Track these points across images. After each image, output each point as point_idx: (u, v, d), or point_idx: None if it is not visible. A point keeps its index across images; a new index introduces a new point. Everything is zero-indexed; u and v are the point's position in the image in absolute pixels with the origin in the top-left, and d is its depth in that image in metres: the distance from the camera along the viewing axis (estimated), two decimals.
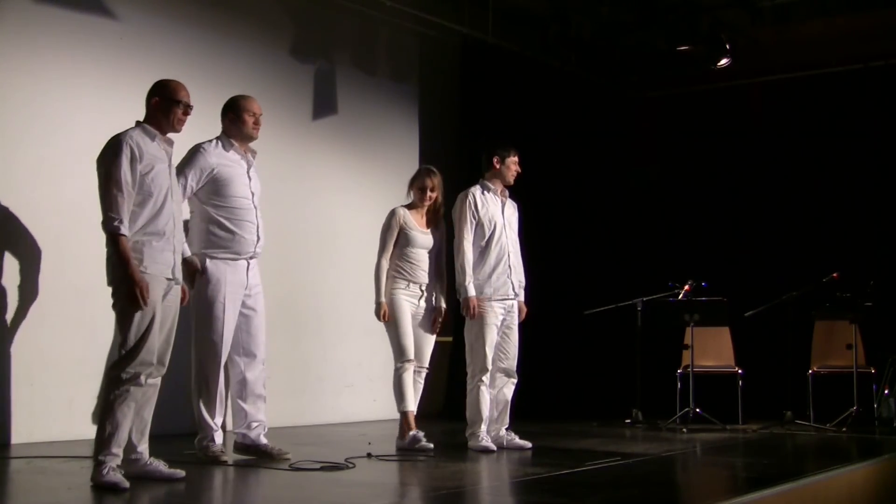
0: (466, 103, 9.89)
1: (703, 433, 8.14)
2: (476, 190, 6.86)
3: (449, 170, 9.25)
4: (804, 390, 8.74)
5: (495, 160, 6.86)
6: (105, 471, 4.75)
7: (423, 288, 6.65)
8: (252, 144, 6.04)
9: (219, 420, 5.86)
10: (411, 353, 6.54)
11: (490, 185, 6.89)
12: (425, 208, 6.71)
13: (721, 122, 10.92)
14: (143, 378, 4.86)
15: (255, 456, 5.92)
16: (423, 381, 6.73)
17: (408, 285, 6.60)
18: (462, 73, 9.94)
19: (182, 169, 5.68)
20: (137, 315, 4.79)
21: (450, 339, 8.45)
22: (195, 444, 5.82)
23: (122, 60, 7.14)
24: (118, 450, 4.81)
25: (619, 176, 11.25)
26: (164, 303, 4.97)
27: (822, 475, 5.71)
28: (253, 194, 5.96)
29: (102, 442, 4.78)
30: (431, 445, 6.43)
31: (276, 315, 7.96)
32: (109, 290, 4.92)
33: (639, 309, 9.02)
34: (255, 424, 5.98)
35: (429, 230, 6.71)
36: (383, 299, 6.56)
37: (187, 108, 5.11)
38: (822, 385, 8.80)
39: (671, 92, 11.36)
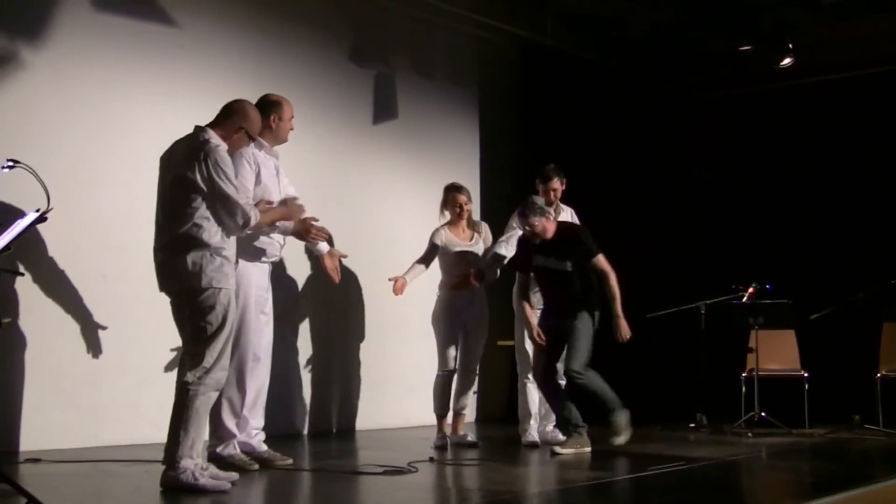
0: (526, 106, 9.84)
1: (769, 437, 8.00)
2: None
3: (511, 172, 9.57)
4: (872, 394, 8.48)
5: (537, 182, 7.31)
6: (201, 475, 4.76)
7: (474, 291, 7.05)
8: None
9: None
10: (452, 364, 7.02)
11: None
12: (463, 222, 7.17)
13: (783, 121, 10.69)
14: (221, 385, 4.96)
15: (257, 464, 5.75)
16: (474, 382, 7.25)
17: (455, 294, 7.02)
18: (522, 77, 9.87)
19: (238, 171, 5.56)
20: (228, 325, 4.88)
21: (512, 342, 8.27)
22: (213, 452, 5.65)
23: (182, 68, 7.19)
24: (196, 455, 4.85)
25: (681, 177, 11.06)
26: None
27: (892, 481, 5.58)
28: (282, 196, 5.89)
29: (186, 447, 4.76)
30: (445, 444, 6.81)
31: (337, 320, 8.18)
32: (171, 296, 5.01)
33: (702, 312, 8.90)
34: (255, 432, 5.87)
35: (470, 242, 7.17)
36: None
37: None
38: (892, 389, 8.51)
39: (732, 92, 11.13)
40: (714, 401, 8.93)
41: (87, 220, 6.65)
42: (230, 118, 5.11)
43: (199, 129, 5.03)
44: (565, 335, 6.77)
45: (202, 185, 4.83)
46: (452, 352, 7.07)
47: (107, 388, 6.68)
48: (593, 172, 9.66)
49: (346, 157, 8.37)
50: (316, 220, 5.77)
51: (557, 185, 7.35)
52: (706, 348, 8.94)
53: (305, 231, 5.72)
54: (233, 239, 5.04)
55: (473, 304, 7.14)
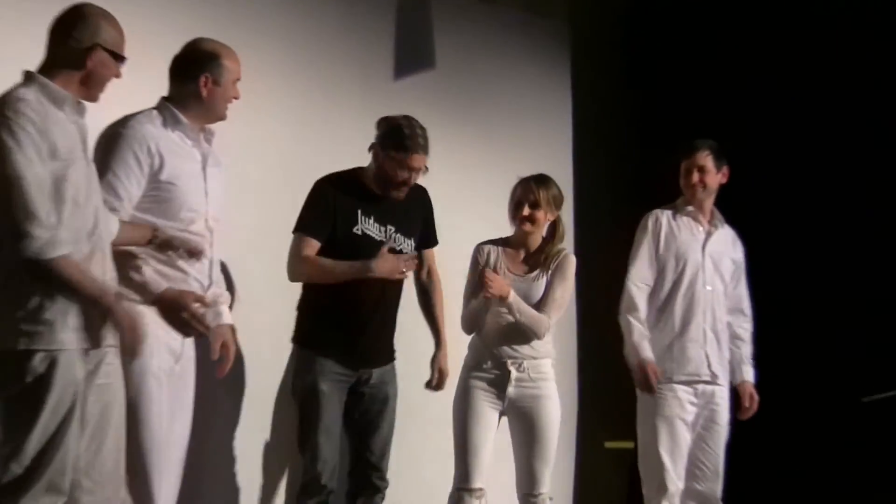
0: (646, 53, 8.07)
1: None
2: (665, 212, 6.13)
3: (620, 155, 8.07)
4: None
5: (682, 163, 6.08)
6: None
7: (518, 366, 5.62)
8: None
9: None
10: (476, 479, 5.50)
11: (684, 206, 6.11)
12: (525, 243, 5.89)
13: None
14: None
15: None
16: None
17: (487, 363, 5.67)
18: (637, 7, 8.08)
19: (109, 162, 4.41)
20: (47, 418, 3.79)
21: (630, 444, 6.87)
22: None
23: None
24: None
25: None
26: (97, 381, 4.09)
27: None
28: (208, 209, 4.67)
29: None
30: None
31: None
32: None
33: None
34: None
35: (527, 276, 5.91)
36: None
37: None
38: None
39: None
40: None
41: None
42: (68, 37, 3.88)
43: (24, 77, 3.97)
44: (372, 399, 5.33)
45: None
46: (480, 456, 5.56)
47: None
48: (754, 164, 7.63)
49: (347, 132, 6.20)
50: (206, 304, 4.52)
51: (709, 160, 5.84)
52: None
53: (174, 309, 4.34)
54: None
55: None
